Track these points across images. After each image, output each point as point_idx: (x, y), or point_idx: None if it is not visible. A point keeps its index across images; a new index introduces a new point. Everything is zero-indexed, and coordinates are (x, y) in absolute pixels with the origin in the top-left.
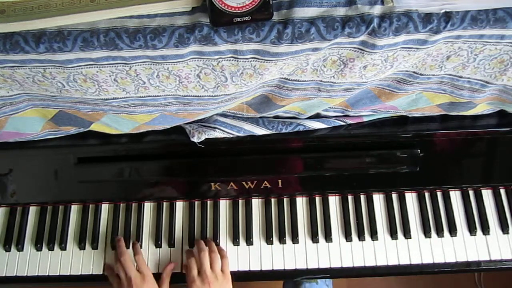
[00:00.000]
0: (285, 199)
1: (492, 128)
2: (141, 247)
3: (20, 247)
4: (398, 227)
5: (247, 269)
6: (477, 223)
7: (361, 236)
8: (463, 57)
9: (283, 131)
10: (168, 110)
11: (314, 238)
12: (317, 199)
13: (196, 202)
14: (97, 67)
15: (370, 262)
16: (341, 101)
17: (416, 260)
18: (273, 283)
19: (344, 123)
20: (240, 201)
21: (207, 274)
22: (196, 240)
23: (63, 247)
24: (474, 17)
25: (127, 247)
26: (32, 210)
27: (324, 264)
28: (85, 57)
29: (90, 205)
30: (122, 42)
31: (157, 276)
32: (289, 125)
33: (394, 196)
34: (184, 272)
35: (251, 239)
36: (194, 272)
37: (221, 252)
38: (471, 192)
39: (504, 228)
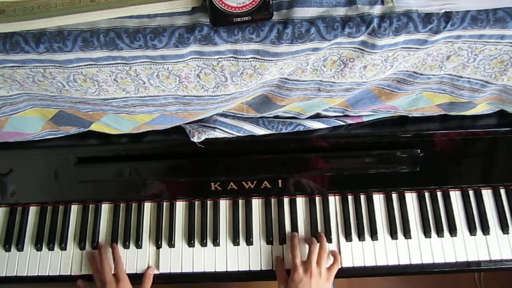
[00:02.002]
0: (285, 199)
1: (492, 128)
2: (141, 247)
3: (20, 247)
4: (398, 227)
5: (247, 269)
6: (477, 223)
7: (361, 236)
8: (463, 57)
9: (283, 131)
10: (168, 110)
11: (314, 238)
12: (317, 199)
13: (196, 202)
14: (97, 67)
15: (370, 262)
16: (341, 101)
17: (416, 260)
18: (273, 283)
19: (344, 123)
20: (240, 201)
21: (311, 265)
22: (309, 238)
23: (63, 247)
24: (474, 17)
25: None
26: (32, 210)
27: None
28: (85, 57)
29: (90, 205)
30: (122, 42)
31: (154, 277)
32: (289, 125)
33: (394, 196)
34: (276, 262)
35: (251, 239)
36: (298, 260)
37: (335, 255)
38: (471, 192)
39: (504, 228)
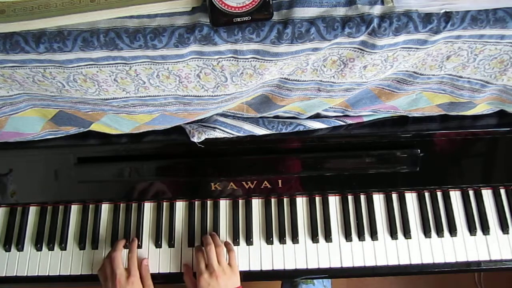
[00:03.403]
0: (285, 199)
1: (492, 128)
2: (141, 247)
3: (20, 247)
4: (398, 227)
5: (247, 269)
6: (477, 223)
7: (361, 236)
8: (463, 57)
9: (283, 131)
10: (168, 110)
11: (314, 238)
12: (317, 199)
13: (196, 202)
14: (97, 67)
15: (370, 262)
16: (341, 101)
17: (416, 260)
18: (273, 283)
19: (344, 123)
20: (240, 201)
21: (214, 267)
22: (203, 236)
23: (63, 247)
24: (474, 17)
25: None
26: (32, 210)
27: (324, 264)
28: (85, 57)
29: (90, 205)
30: (122, 42)
31: (153, 277)
32: (289, 125)
33: (394, 196)
34: (183, 271)
35: (251, 239)
36: (202, 265)
37: (228, 245)
38: (471, 192)
39: (504, 228)
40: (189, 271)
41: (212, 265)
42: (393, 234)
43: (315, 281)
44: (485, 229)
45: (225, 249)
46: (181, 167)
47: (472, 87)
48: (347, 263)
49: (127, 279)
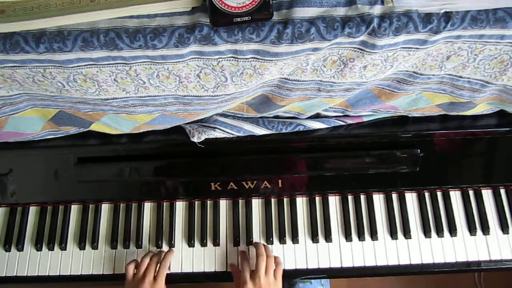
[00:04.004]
0: (285, 199)
1: (492, 128)
2: (141, 247)
3: (20, 247)
4: (398, 227)
5: None
6: (477, 223)
7: (361, 236)
8: (463, 57)
9: (283, 131)
10: (168, 110)
11: (314, 238)
12: (317, 199)
13: (196, 202)
14: (97, 67)
15: (370, 262)
16: (341, 101)
17: (416, 260)
18: None
19: (344, 123)
20: (240, 201)
21: (260, 278)
22: (256, 244)
23: (63, 247)
24: (474, 17)
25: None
26: (32, 210)
27: (324, 264)
28: (85, 57)
29: (90, 205)
30: (122, 42)
31: None
32: (289, 125)
33: (394, 196)
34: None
35: (251, 239)
36: (247, 274)
37: (276, 259)
38: (471, 192)
39: (504, 228)
40: (238, 271)
41: (260, 276)
42: (393, 234)
43: (312, 280)
44: (485, 229)
45: (273, 262)
46: (181, 167)
47: (472, 87)
48: (347, 263)
49: (151, 287)
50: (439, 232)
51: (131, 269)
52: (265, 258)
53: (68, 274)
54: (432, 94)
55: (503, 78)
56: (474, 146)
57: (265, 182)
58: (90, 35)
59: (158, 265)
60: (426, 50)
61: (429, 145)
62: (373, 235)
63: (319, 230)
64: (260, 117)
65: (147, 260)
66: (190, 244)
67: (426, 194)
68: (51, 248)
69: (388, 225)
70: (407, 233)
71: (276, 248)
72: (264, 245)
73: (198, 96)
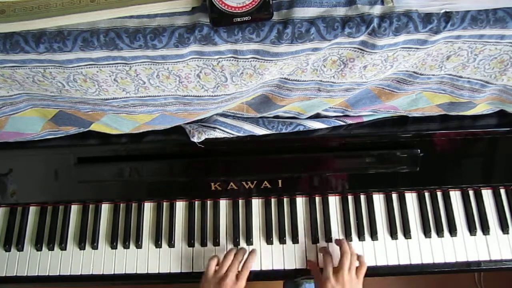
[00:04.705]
0: (285, 199)
1: (492, 128)
2: (141, 247)
3: (20, 247)
4: (398, 227)
5: None
6: (477, 223)
7: (361, 236)
8: (463, 57)
9: (283, 131)
10: (168, 110)
11: (314, 238)
12: (317, 199)
13: (196, 202)
14: (97, 67)
15: (370, 262)
16: (341, 101)
17: (416, 260)
18: (273, 283)
19: (344, 123)
20: (240, 201)
21: (344, 276)
22: (340, 241)
23: (63, 247)
24: (474, 17)
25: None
26: (32, 210)
27: None
28: (85, 57)
29: (90, 205)
30: (122, 42)
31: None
32: (289, 125)
33: (394, 196)
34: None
35: (251, 239)
36: (330, 270)
37: (360, 258)
38: (471, 192)
39: (504, 228)
40: (317, 268)
41: (343, 273)
42: (393, 234)
43: None
44: (485, 229)
45: (356, 260)
46: (181, 167)
47: (472, 87)
48: None
49: (234, 285)
50: (439, 232)
51: (213, 264)
52: (349, 256)
53: (68, 274)
54: (432, 94)
55: (503, 78)
56: (474, 146)
57: (265, 182)
58: (90, 35)
59: (241, 264)
60: (426, 50)
61: (429, 145)
62: (373, 235)
63: (319, 230)
64: (260, 117)
65: (230, 258)
66: (190, 244)
67: (426, 194)
68: (51, 248)
69: (388, 225)
70: (407, 233)
71: (276, 248)
72: (348, 243)
73: (198, 96)
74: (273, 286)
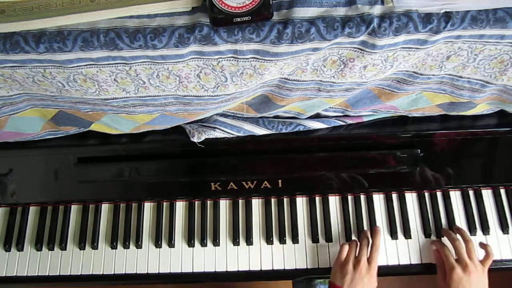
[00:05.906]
0: (285, 199)
1: (492, 128)
2: (141, 247)
3: (20, 247)
4: (398, 227)
5: (247, 269)
6: (477, 223)
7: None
8: (463, 57)
9: (283, 131)
10: (168, 110)
11: (314, 238)
12: (317, 199)
13: (196, 202)
14: (97, 67)
15: None
16: (341, 101)
17: (416, 260)
18: (274, 283)
19: (344, 123)
20: (240, 201)
21: (466, 262)
22: (459, 228)
23: (63, 247)
24: (474, 17)
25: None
26: (32, 210)
27: (324, 264)
28: (85, 57)
29: (90, 205)
30: (122, 42)
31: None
32: (289, 125)
33: (394, 196)
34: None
35: (251, 239)
36: (452, 259)
37: (487, 248)
38: (471, 192)
39: (504, 228)
40: (442, 261)
41: (465, 259)
42: (393, 234)
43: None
44: (485, 229)
45: (474, 246)
46: (181, 167)
47: (472, 87)
48: None
49: (367, 271)
50: (439, 232)
51: (345, 250)
52: (462, 242)
53: (68, 274)
54: (432, 94)
55: (503, 78)
56: (474, 146)
57: (265, 182)
58: (90, 35)
59: (369, 248)
60: (426, 50)
61: (429, 145)
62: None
63: (319, 230)
64: (260, 117)
65: (356, 244)
66: (190, 244)
67: (426, 194)
68: (51, 248)
69: (388, 225)
70: (407, 233)
71: (276, 248)
72: (459, 228)
73: (198, 96)
74: (273, 286)
